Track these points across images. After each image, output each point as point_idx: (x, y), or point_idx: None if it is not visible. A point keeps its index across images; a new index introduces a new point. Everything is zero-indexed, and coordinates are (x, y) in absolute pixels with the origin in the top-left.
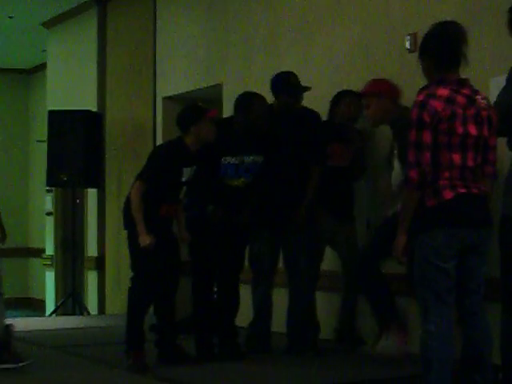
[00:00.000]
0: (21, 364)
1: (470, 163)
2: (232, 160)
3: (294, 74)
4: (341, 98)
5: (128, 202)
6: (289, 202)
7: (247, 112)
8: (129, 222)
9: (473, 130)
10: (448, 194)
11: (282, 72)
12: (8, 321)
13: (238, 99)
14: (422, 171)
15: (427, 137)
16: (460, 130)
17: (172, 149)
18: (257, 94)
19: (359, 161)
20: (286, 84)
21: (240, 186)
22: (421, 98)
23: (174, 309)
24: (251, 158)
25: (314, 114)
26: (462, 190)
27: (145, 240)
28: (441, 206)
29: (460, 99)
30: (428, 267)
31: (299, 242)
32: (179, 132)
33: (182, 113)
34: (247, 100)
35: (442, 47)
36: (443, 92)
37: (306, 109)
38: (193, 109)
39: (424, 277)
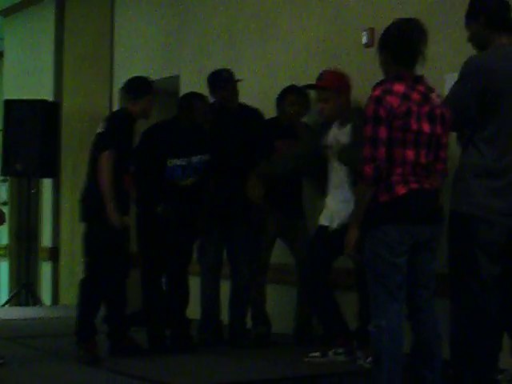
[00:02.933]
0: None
1: (423, 160)
2: (179, 162)
3: (226, 70)
4: (285, 96)
5: (88, 191)
6: (234, 197)
7: (190, 112)
8: (90, 213)
9: (426, 128)
10: (401, 190)
11: (215, 70)
12: None
13: (179, 101)
14: (377, 167)
15: (383, 132)
16: (414, 126)
17: (126, 118)
18: (197, 93)
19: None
20: (218, 79)
21: (188, 185)
22: (377, 93)
23: (126, 300)
24: (198, 157)
25: (252, 111)
26: (415, 186)
27: (118, 220)
28: (394, 201)
29: (415, 96)
30: (380, 263)
31: (242, 235)
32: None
33: (135, 80)
34: (188, 100)
35: (402, 43)
36: (399, 88)
37: (243, 106)
38: (146, 81)
39: (375, 272)
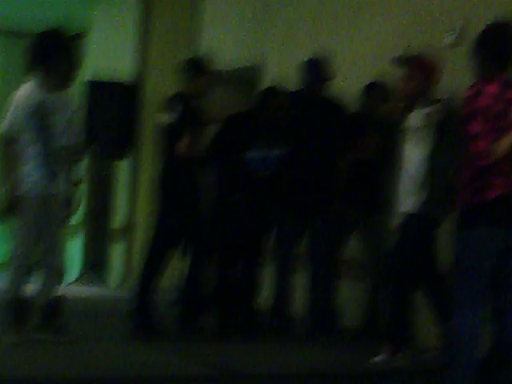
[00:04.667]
0: (66, 338)
1: None
2: (257, 154)
3: (321, 60)
4: (369, 91)
5: (161, 177)
6: (315, 191)
7: (265, 108)
8: (163, 196)
9: None
10: (491, 194)
11: (314, 57)
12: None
13: (260, 93)
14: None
15: (476, 127)
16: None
17: (183, 101)
18: (274, 88)
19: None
20: (315, 68)
21: (265, 177)
22: (468, 94)
23: (200, 285)
24: (276, 150)
25: (338, 106)
26: (505, 190)
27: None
28: (485, 204)
29: (509, 95)
30: (466, 264)
31: (322, 229)
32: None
33: (188, 62)
34: (264, 96)
35: (499, 45)
36: (491, 89)
37: (329, 98)
38: (200, 61)
39: (461, 273)
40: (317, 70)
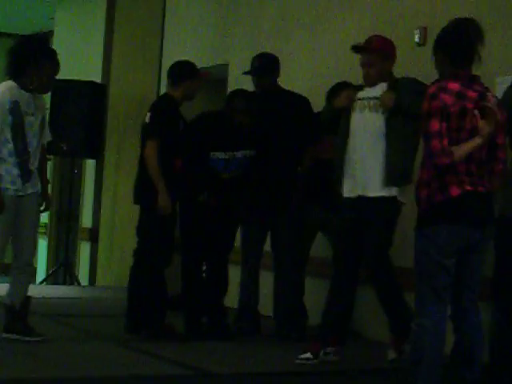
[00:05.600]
0: (34, 338)
1: (477, 159)
2: (222, 155)
3: (265, 54)
4: (336, 92)
5: (138, 177)
6: (280, 189)
7: (230, 111)
8: (141, 197)
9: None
10: (455, 191)
11: (263, 53)
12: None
13: (228, 96)
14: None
15: (435, 125)
16: (468, 126)
17: (168, 104)
18: (242, 92)
19: None
20: (272, 63)
21: (230, 178)
22: (431, 90)
23: (165, 286)
24: (242, 152)
25: (302, 97)
26: (469, 188)
27: (167, 206)
28: (447, 202)
29: (471, 94)
30: (428, 262)
31: (288, 227)
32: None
33: (176, 66)
34: (230, 99)
35: (458, 43)
36: (454, 86)
37: (291, 92)
38: (188, 65)
39: (423, 271)
40: (262, 61)
